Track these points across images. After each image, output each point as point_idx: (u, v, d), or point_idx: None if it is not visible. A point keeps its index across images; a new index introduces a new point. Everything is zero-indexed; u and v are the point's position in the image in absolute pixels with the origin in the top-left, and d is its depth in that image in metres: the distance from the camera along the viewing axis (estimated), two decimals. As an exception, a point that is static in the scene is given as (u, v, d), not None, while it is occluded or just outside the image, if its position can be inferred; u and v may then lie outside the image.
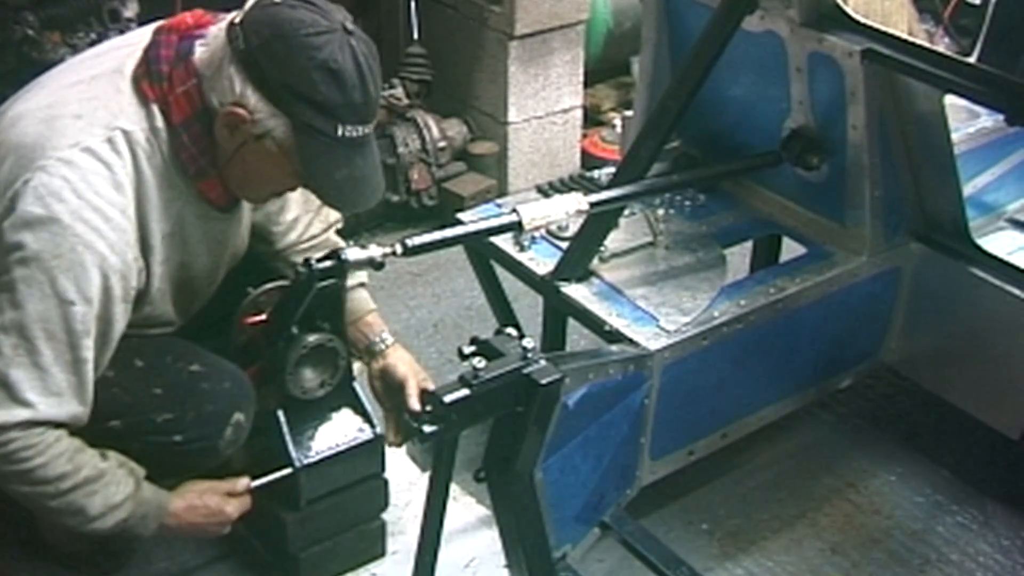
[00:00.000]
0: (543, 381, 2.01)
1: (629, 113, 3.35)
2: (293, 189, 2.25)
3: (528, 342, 2.04)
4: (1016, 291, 2.71)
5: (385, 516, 2.54)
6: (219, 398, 2.24)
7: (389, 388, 2.44)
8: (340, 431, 2.40)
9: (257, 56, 1.98)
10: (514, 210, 2.40)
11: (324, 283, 2.21)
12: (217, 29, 2.06)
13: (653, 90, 3.08)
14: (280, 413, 2.33)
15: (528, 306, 3.10)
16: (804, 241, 2.92)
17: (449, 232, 2.37)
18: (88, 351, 2.01)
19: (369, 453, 2.43)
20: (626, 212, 2.83)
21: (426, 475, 2.29)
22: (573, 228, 2.73)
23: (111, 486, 2.10)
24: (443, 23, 4.10)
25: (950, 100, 2.65)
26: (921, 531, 2.84)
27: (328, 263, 2.19)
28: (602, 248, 2.74)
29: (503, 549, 2.24)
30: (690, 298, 2.67)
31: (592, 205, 2.48)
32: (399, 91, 3.94)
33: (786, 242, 3.12)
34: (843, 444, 3.10)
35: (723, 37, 2.59)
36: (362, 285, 2.49)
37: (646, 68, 3.12)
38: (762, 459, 3.03)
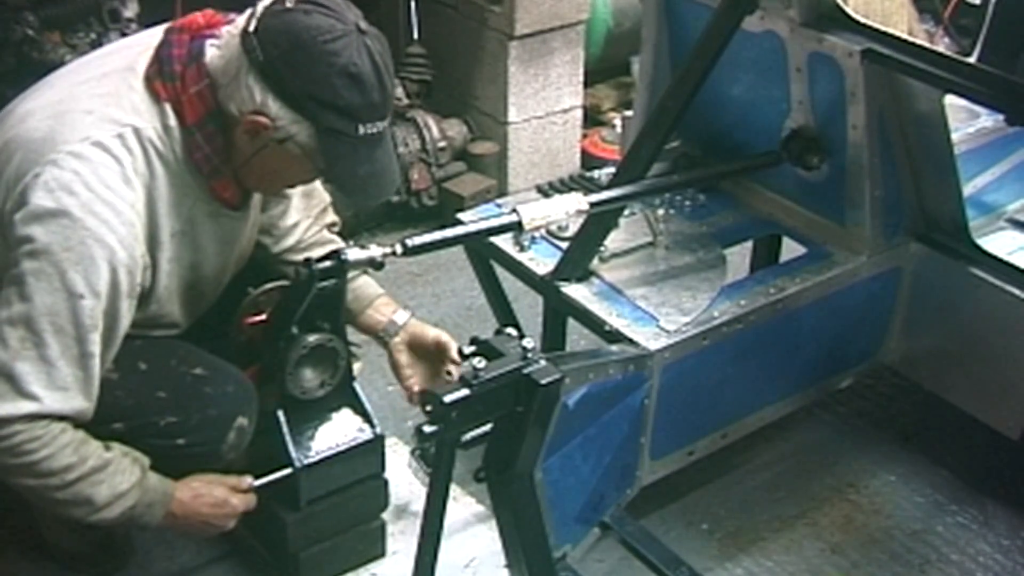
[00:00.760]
0: (543, 381, 2.00)
1: (629, 113, 3.35)
2: (309, 182, 2.31)
3: (528, 342, 2.04)
4: (1016, 291, 2.71)
5: (385, 516, 2.54)
6: (222, 402, 2.24)
7: (421, 353, 2.46)
8: (340, 431, 2.40)
9: (277, 66, 1.99)
10: (514, 210, 2.40)
11: (324, 283, 2.21)
12: (229, 34, 2.06)
13: (653, 90, 3.08)
14: (280, 413, 2.33)
15: (528, 306, 3.09)
16: (804, 241, 2.92)
17: (449, 232, 2.37)
18: (95, 346, 2.01)
19: (369, 453, 2.43)
20: (626, 212, 2.83)
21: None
22: (573, 228, 2.73)
23: (117, 475, 2.10)
24: (443, 23, 4.10)
25: (950, 100, 2.64)
26: (921, 531, 2.84)
27: (328, 263, 2.20)
28: (602, 248, 2.73)
29: (503, 549, 2.23)
30: (690, 298, 2.66)
31: (592, 205, 2.48)
32: (399, 91, 3.93)
33: (786, 242, 3.12)
34: (843, 444, 3.10)
35: (723, 37, 2.59)
36: (364, 272, 2.49)
37: (646, 68, 3.12)
38: (762, 459, 3.03)
